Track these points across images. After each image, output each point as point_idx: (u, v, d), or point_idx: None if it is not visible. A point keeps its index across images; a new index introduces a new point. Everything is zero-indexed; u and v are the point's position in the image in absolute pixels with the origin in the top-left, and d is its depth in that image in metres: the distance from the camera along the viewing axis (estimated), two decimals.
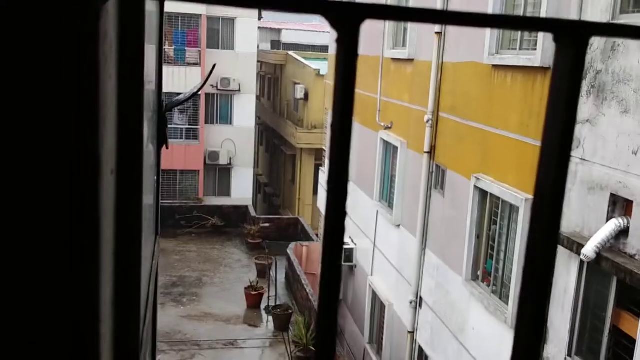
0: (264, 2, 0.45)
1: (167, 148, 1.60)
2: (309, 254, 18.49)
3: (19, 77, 0.42)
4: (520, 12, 8.01)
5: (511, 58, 8.01)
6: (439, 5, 9.94)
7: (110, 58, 0.53)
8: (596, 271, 6.22)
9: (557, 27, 0.50)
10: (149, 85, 1.44)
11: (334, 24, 0.46)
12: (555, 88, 0.50)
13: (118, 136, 0.63)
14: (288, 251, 18.85)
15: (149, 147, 1.39)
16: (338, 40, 0.47)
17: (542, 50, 7.23)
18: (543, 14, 7.22)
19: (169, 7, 23.96)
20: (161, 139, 1.54)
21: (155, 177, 1.56)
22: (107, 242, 0.56)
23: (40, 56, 0.41)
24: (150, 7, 1.23)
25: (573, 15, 6.65)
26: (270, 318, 16.42)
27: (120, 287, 0.73)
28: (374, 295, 13.00)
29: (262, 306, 17.28)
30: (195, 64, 24.97)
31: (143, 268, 1.03)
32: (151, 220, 1.35)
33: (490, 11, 8.38)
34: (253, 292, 17.23)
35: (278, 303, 16.90)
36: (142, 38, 0.68)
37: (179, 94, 24.63)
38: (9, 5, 0.41)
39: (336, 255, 0.49)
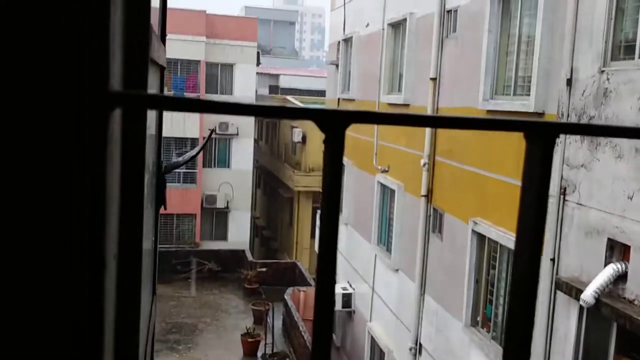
0: (262, 111, 0.50)
1: (165, 209, 1.64)
2: (306, 300, 18.31)
3: (34, 176, 0.46)
4: (513, 58, 8.19)
5: (505, 103, 8.15)
6: (433, 52, 10.15)
7: (115, 157, 0.57)
8: (596, 317, 6.18)
9: (526, 127, 0.54)
10: (150, 147, 1.48)
11: (322, 128, 0.50)
12: (526, 181, 0.54)
13: (120, 224, 0.67)
14: (285, 296, 18.67)
15: (147, 209, 1.43)
16: (325, 142, 0.51)
17: (535, 95, 7.37)
18: (535, 62, 7.38)
19: (168, 53, 24.36)
20: (160, 201, 1.58)
21: (153, 238, 1.59)
22: (109, 324, 0.59)
23: (56, 164, 0.45)
24: (151, 80, 1.28)
25: (565, 64, 6.80)
26: None
27: (119, 357, 0.75)
28: (373, 342, 12.83)
29: (259, 354, 17.00)
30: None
31: (140, 335, 1.05)
32: (148, 282, 1.37)
33: (483, 59, 8.57)
34: (250, 339, 16.98)
35: (275, 350, 16.64)
36: (143, 138, 0.73)
37: (178, 138, 24.59)
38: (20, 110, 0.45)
39: (329, 295, 0.52)
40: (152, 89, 1.31)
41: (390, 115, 0.51)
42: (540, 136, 0.54)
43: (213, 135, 25.84)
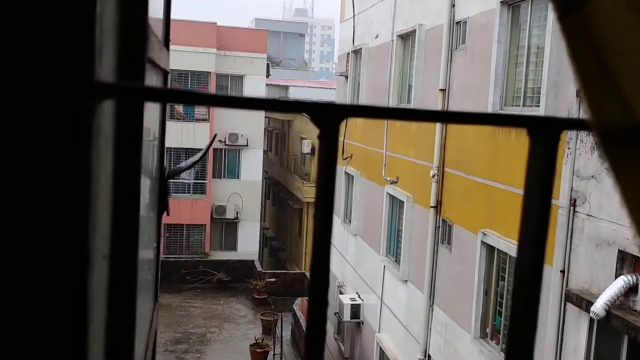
0: (254, 104, 0.48)
1: (167, 215, 1.63)
2: None
3: (12, 168, 0.44)
4: (522, 69, 8.17)
5: (515, 114, 8.11)
6: (442, 63, 10.15)
7: (105, 150, 0.56)
8: (606, 329, 6.10)
9: (529, 122, 0.52)
10: (152, 154, 1.47)
11: (316, 123, 0.49)
12: (529, 179, 0.52)
13: (113, 223, 0.66)
14: (294, 307, 18.60)
15: (150, 215, 1.42)
16: (320, 136, 0.50)
17: (545, 106, 7.33)
18: (545, 73, 7.35)
19: (178, 65, 24.57)
20: (162, 207, 1.57)
21: (155, 245, 1.58)
22: (97, 328, 0.58)
23: (36, 152, 0.44)
24: (154, 84, 1.28)
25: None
26: None
27: None
28: (382, 353, 12.73)
29: None
30: (203, 120, 25.39)
31: (138, 340, 1.03)
32: (150, 289, 1.36)
33: (492, 70, 8.55)
34: (258, 350, 16.92)
35: None
36: (140, 132, 0.72)
37: (187, 149, 24.79)
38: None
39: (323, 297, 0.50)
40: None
41: (385, 109, 0.50)
42: (543, 132, 0.52)
43: (223, 147, 25.98)
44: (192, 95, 0.46)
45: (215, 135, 3.47)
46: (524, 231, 0.54)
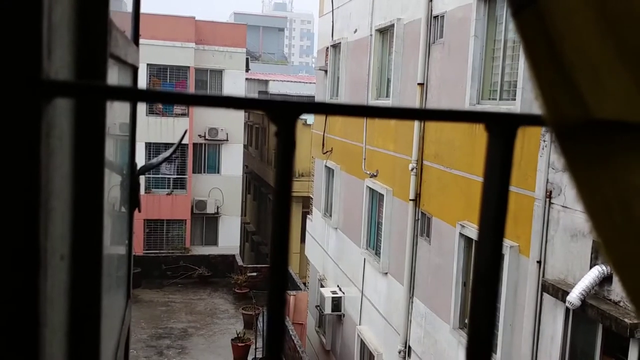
0: (215, 102, 0.48)
1: (139, 211, 1.62)
2: (296, 303, 18.25)
3: None
4: (499, 63, 8.23)
5: (492, 108, 8.18)
6: (420, 57, 10.19)
7: (60, 147, 0.55)
8: (582, 318, 6.20)
9: (487, 118, 0.53)
10: (122, 149, 1.46)
11: (273, 119, 0.49)
12: (487, 173, 0.53)
13: (73, 223, 0.65)
14: None
15: (121, 211, 1.40)
16: (277, 134, 0.50)
17: (521, 100, 7.40)
18: (521, 66, 7.42)
19: (157, 60, 24.32)
20: (133, 203, 1.55)
21: (127, 241, 1.57)
22: (55, 330, 0.57)
23: None
24: (123, 82, 1.26)
25: None
26: None
27: None
28: (363, 345, 12.81)
29: (249, 358, 16.92)
30: (183, 115, 25.18)
31: (109, 338, 1.02)
32: (121, 286, 1.35)
33: (469, 64, 8.61)
34: (240, 344, 16.90)
35: (265, 355, 16.56)
36: (102, 129, 0.70)
37: (167, 144, 24.51)
38: None
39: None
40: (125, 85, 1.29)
41: (340, 106, 0.50)
42: (501, 127, 0.53)
43: (203, 141, 25.81)
44: (146, 93, 0.46)
45: (186, 131, 3.45)
46: (483, 222, 0.54)
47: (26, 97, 0.42)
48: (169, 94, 0.46)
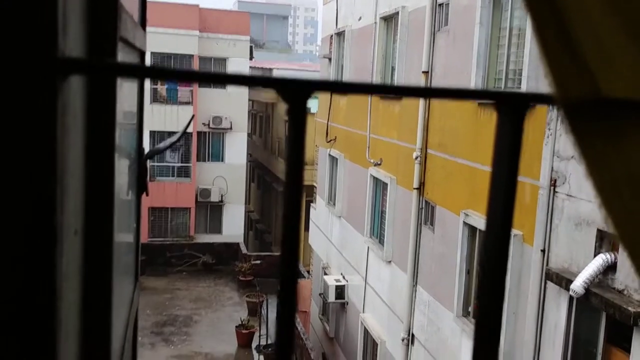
0: (223, 79, 0.48)
1: (147, 195, 1.63)
2: (300, 291, 18.33)
3: None
4: (504, 51, 8.19)
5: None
6: (425, 45, 10.14)
7: (74, 126, 0.55)
8: (586, 307, 6.22)
9: (497, 97, 0.53)
10: (130, 135, 1.47)
11: (284, 98, 0.49)
12: (497, 153, 0.53)
13: (86, 196, 0.66)
14: None
15: (129, 195, 1.41)
16: (288, 112, 0.50)
17: (526, 88, 7.37)
18: (526, 54, 7.38)
19: (161, 47, 24.26)
20: (141, 187, 1.56)
21: (135, 225, 1.58)
22: (71, 305, 0.58)
23: None
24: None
25: None
26: (262, 357, 16.16)
27: (88, 342, 0.74)
28: (366, 333, 12.87)
29: (254, 345, 17.03)
30: (187, 103, 25.17)
31: (118, 319, 1.03)
32: (130, 270, 1.36)
33: (474, 52, 8.57)
34: (244, 331, 17.01)
35: (269, 342, 16.68)
36: (112, 109, 0.71)
37: (171, 132, 24.53)
38: None
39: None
40: None
41: (352, 84, 0.50)
42: (511, 106, 0.53)
43: (207, 130, 25.79)
44: (156, 71, 0.46)
45: (193, 116, 3.45)
46: (493, 203, 0.55)
47: (44, 74, 0.42)
48: (179, 71, 0.47)
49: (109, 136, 0.70)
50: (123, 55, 0.99)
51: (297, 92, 0.48)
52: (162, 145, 2.99)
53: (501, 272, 0.53)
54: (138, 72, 0.46)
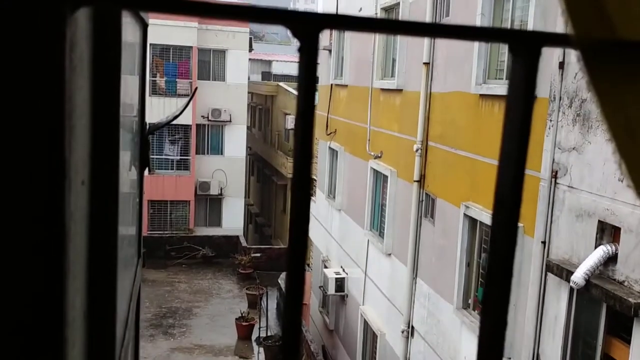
0: (229, 12, 0.47)
1: (149, 172, 1.61)
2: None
3: None
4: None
5: (498, 87, 8.13)
6: (426, 42, 10.09)
7: (81, 69, 0.54)
8: (586, 298, 6.22)
9: (510, 37, 0.52)
10: (132, 109, 1.45)
11: (295, 33, 0.48)
12: (511, 97, 0.52)
13: (92, 147, 0.65)
14: (279, 281, 18.71)
15: (131, 169, 1.40)
16: (300, 49, 0.49)
17: None
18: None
19: (160, 40, 24.19)
20: (144, 162, 1.55)
21: (138, 200, 1.57)
22: (78, 254, 0.57)
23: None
24: (133, 37, 1.25)
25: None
26: (262, 349, 16.20)
27: (93, 303, 0.73)
28: (366, 325, 12.89)
29: (253, 337, 17.07)
30: (186, 95, 25.11)
31: (120, 285, 1.03)
32: (133, 242, 1.35)
33: (476, 44, 8.54)
34: (244, 323, 17.04)
35: (269, 334, 16.71)
36: (118, 54, 0.70)
37: (171, 125, 24.31)
38: None
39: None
40: (135, 41, 1.28)
41: (367, 20, 0.49)
42: (525, 46, 0.52)
43: (206, 122, 25.76)
44: (161, 2, 0.45)
45: (196, 89, 3.44)
46: (505, 150, 0.53)
47: (52, 5, 0.41)
48: (185, 2, 0.45)
49: (115, 75, 0.68)
50: (128, 26, 0.98)
51: (309, 27, 0.47)
52: (164, 119, 2.97)
53: (512, 231, 0.51)
54: (144, 3, 0.44)
